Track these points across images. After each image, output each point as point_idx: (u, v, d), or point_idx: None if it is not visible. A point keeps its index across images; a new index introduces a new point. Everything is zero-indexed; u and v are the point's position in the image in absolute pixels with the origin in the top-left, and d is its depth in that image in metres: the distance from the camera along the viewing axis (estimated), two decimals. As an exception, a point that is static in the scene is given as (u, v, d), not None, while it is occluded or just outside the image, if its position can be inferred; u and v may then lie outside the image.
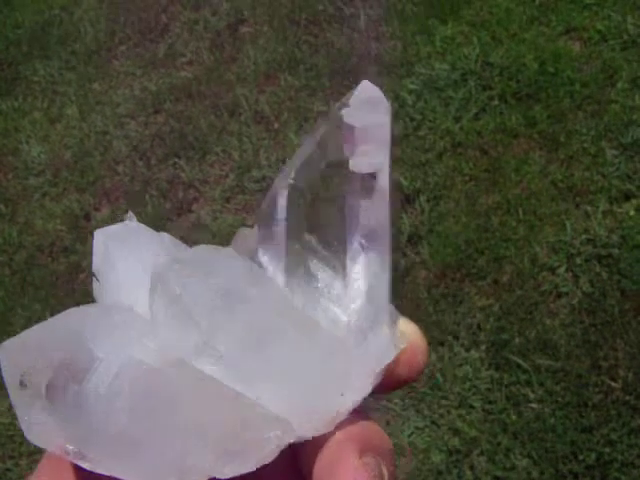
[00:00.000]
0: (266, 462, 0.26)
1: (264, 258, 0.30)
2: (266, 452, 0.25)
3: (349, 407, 0.27)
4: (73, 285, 1.84)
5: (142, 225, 0.30)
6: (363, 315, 0.28)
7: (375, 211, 0.29)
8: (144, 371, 0.24)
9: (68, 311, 0.27)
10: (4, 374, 0.26)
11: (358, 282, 0.29)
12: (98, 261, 0.30)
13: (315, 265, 0.29)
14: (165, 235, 0.30)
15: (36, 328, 0.26)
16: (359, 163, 0.29)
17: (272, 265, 0.30)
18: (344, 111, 0.29)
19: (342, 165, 0.29)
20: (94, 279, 0.30)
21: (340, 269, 0.29)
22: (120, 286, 0.29)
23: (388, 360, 0.28)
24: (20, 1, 2.63)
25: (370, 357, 0.27)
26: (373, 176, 0.29)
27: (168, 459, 0.25)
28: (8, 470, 1.55)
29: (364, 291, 0.28)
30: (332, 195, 0.29)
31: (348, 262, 0.29)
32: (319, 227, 0.29)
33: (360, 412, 0.28)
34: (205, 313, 0.26)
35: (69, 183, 2.07)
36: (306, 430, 0.26)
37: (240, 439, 0.25)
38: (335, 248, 0.29)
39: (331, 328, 0.28)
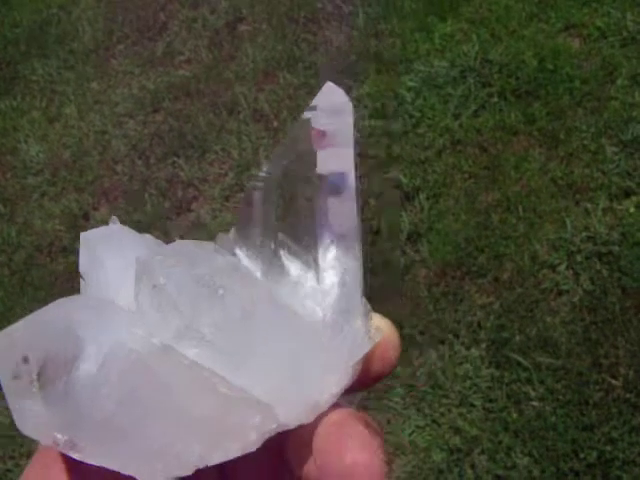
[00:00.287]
0: (251, 450, 0.26)
1: (241, 255, 0.31)
2: (250, 439, 0.26)
3: (328, 399, 0.27)
4: (72, 285, 1.83)
5: (125, 227, 0.31)
6: (337, 309, 0.29)
7: (343, 210, 0.29)
8: (133, 360, 0.25)
9: (57, 302, 0.27)
10: None
11: (331, 276, 0.29)
12: (84, 262, 0.30)
13: (287, 260, 0.30)
14: (148, 236, 0.31)
15: (26, 320, 0.27)
16: (325, 165, 0.29)
17: (248, 262, 0.31)
18: (310, 114, 0.30)
19: (309, 161, 0.30)
20: (81, 279, 0.31)
21: (312, 263, 0.29)
22: (105, 284, 0.29)
23: (364, 352, 0.28)
24: (18, 0, 2.62)
25: (346, 349, 0.28)
26: (340, 176, 0.29)
27: (155, 447, 0.25)
28: (9, 471, 1.55)
29: (337, 285, 0.29)
30: (300, 191, 0.30)
31: (320, 256, 0.29)
32: (289, 222, 0.30)
33: (341, 405, 0.28)
34: (189, 302, 0.26)
35: (68, 182, 2.06)
36: (288, 418, 0.26)
37: (223, 424, 0.25)
38: (306, 243, 0.29)
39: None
